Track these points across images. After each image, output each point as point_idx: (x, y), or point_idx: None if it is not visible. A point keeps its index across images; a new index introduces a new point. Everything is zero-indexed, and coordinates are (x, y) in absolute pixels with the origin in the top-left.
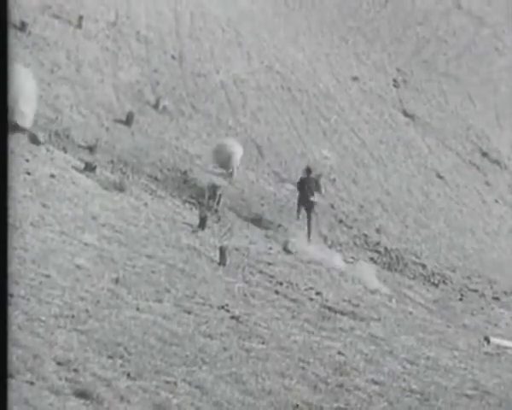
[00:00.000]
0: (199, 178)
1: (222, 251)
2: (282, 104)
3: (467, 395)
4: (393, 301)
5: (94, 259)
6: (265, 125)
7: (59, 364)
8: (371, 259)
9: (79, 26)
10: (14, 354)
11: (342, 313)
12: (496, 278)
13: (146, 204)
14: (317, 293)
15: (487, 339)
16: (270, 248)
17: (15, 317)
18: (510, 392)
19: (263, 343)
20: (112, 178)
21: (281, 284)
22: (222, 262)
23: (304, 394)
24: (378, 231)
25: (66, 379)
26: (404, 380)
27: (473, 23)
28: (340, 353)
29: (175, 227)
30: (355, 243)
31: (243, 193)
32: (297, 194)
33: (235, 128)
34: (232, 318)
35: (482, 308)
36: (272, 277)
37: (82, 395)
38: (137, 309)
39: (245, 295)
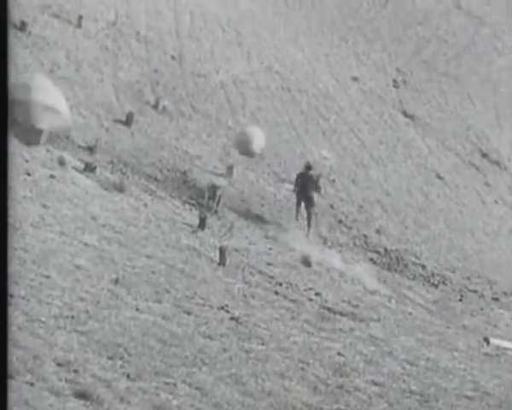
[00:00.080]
0: (198, 179)
1: (222, 252)
2: (281, 104)
3: (467, 397)
4: (393, 301)
5: (94, 259)
6: (265, 125)
7: (59, 365)
8: (371, 259)
9: (79, 25)
10: (14, 355)
11: (342, 314)
12: (495, 279)
13: (146, 205)
14: (317, 294)
15: (487, 340)
16: (270, 249)
17: (15, 317)
18: (510, 393)
19: (262, 344)
20: (112, 179)
21: (280, 284)
22: (222, 263)
23: (303, 395)
24: (378, 231)
25: (66, 380)
26: (404, 381)
27: (472, 23)
28: (339, 354)
29: (175, 228)
30: (355, 244)
31: (243, 193)
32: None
33: (234, 128)
34: (232, 318)
35: (482, 309)
36: (272, 277)
37: (82, 396)
38: (137, 310)
39: (245, 295)
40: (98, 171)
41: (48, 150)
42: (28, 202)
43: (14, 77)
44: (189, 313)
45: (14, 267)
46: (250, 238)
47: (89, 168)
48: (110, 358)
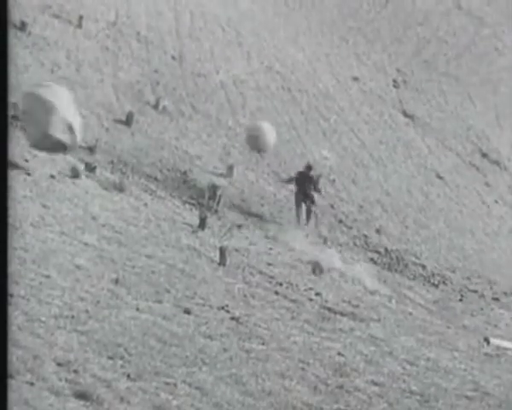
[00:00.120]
0: (199, 179)
1: (222, 251)
2: (281, 104)
3: (467, 397)
4: (393, 301)
5: (94, 259)
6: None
7: (59, 365)
8: (371, 259)
9: (79, 25)
10: (14, 355)
11: (342, 314)
12: (496, 279)
13: (146, 204)
14: (317, 294)
15: (487, 340)
16: (270, 249)
17: (15, 317)
18: (510, 393)
19: (263, 344)
20: (112, 179)
21: (281, 284)
22: (222, 263)
23: (304, 395)
24: (378, 231)
25: (67, 380)
26: (404, 381)
27: (473, 23)
28: (339, 354)
29: (175, 227)
30: (355, 244)
31: (243, 193)
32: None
33: (234, 128)
34: (232, 318)
35: (482, 309)
36: (272, 277)
37: (82, 396)
38: (137, 309)
39: (245, 295)
40: (98, 171)
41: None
42: (28, 201)
43: (14, 77)
44: (189, 313)
45: (14, 267)
46: (250, 238)
47: (89, 168)
48: (110, 358)
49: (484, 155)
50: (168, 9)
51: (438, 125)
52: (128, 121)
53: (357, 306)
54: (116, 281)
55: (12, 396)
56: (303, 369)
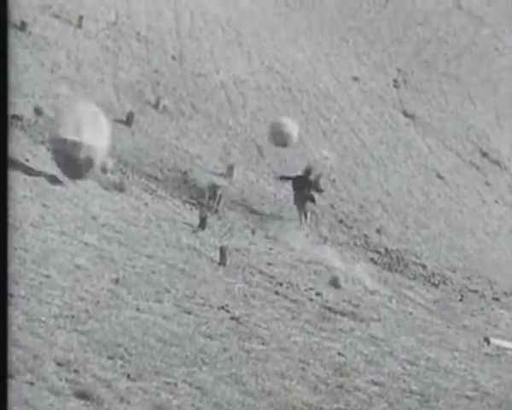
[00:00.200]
0: (199, 179)
1: (222, 251)
2: (282, 104)
3: (467, 397)
4: (393, 301)
5: (94, 259)
6: (265, 125)
7: (59, 364)
8: (371, 259)
9: (79, 25)
10: (14, 355)
11: (342, 314)
12: (496, 279)
13: (146, 204)
14: (317, 294)
15: (487, 340)
16: (271, 249)
17: (15, 317)
18: (510, 393)
19: (263, 344)
20: (112, 179)
21: (281, 284)
22: (222, 262)
23: (304, 395)
24: (378, 231)
25: (67, 380)
26: (404, 381)
27: (473, 23)
28: (340, 354)
29: (175, 227)
30: (355, 244)
31: (243, 193)
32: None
33: (235, 128)
34: (232, 318)
35: (482, 309)
36: (272, 277)
37: (82, 395)
38: (137, 309)
39: (245, 295)
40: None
41: (48, 150)
42: (28, 201)
43: (14, 77)
44: (189, 313)
45: (14, 267)
46: (250, 238)
47: None
48: (110, 358)
49: (484, 155)
50: (168, 9)
51: (438, 125)
52: (128, 121)
53: (357, 306)
54: (116, 281)
55: (12, 396)
56: (303, 369)
